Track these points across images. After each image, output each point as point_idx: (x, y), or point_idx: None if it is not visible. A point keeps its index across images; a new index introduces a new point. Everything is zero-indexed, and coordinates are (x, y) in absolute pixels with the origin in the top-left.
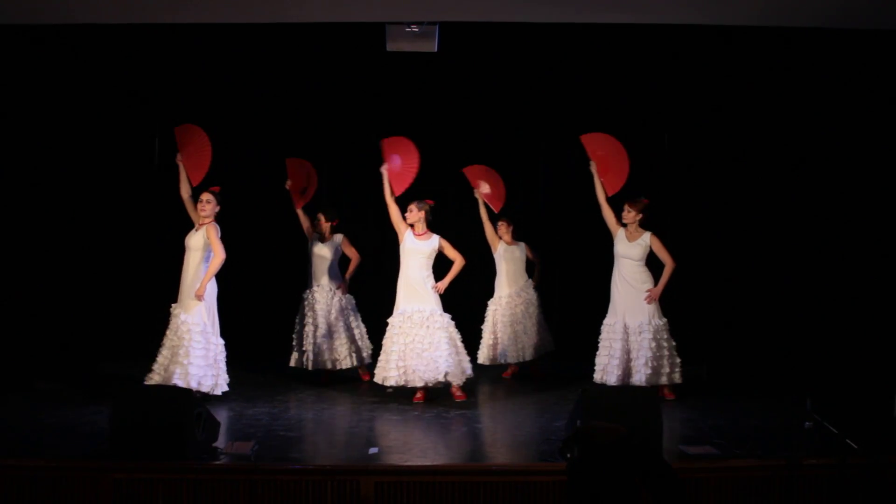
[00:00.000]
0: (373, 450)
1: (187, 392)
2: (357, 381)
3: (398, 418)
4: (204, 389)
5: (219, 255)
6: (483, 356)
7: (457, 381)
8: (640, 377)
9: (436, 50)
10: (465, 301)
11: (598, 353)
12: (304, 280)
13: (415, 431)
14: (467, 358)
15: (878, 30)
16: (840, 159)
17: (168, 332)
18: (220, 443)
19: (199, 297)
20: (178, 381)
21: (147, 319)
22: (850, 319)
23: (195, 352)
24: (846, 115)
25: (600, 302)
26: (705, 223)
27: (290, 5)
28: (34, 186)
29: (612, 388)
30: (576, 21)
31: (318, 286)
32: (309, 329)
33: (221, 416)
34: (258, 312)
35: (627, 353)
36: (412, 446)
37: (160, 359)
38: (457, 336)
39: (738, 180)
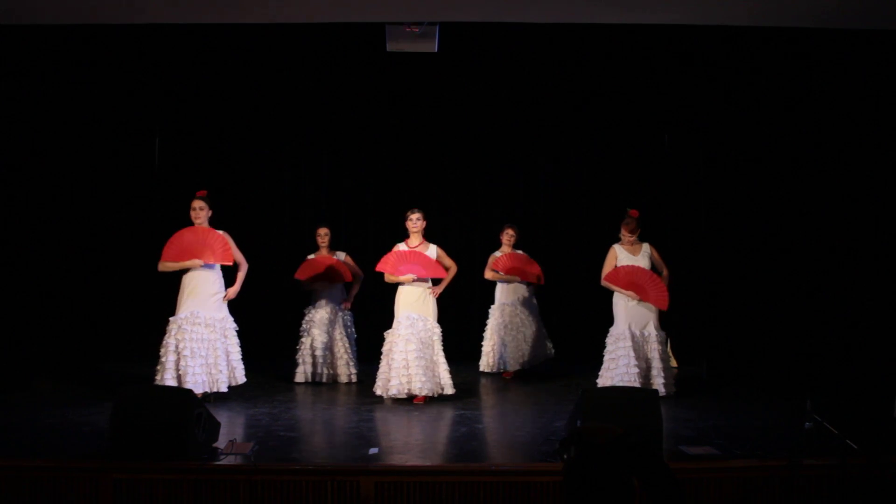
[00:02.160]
0: (373, 450)
1: (187, 392)
2: (357, 382)
3: (398, 418)
4: (239, 382)
5: (244, 263)
6: (484, 363)
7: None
8: (660, 387)
9: (436, 50)
10: (465, 308)
11: (608, 364)
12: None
13: (415, 431)
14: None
15: (877, 30)
16: (841, 158)
17: (184, 335)
18: (220, 443)
19: (230, 297)
20: (205, 378)
21: (147, 320)
22: (851, 319)
23: (236, 349)
24: (846, 116)
25: (599, 303)
26: (705, 223)
27: (291, 5)
28: (35, 187)
29: (612, 388)
30: (576, 21)
31: (320, 302)
32: (306, 343)
33: (221, 416)
34: (258, 313)
35: (646, 361)
36: (412, 446)
37: (170, 360)
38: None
39: (739, 180)
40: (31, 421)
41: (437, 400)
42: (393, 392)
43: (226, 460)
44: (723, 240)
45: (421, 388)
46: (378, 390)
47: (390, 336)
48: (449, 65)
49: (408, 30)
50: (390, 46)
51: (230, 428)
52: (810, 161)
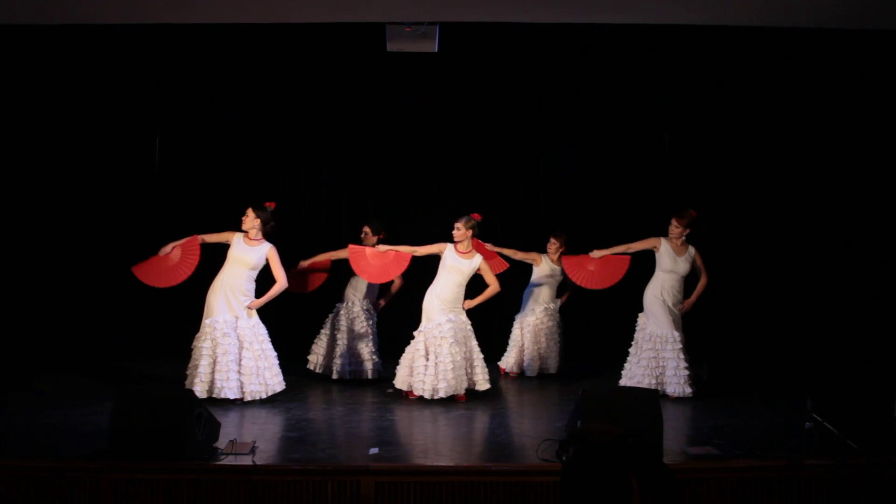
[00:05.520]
0: (373, 450)
1: (187, 392)
2: (357, 382)
3: (398, 418)
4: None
5: (282, 281)
6: (508, 364)
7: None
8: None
9: (436, 50)
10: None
11: (646, 364)
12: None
13: (415, 431)
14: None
15: (877, 30)
16: (841, 159)
17: (215, 339)
18: (221, 443)
19: (253, 308)
20: (260, 384)
21: (148, 319)
22: (851, 320)
23: (272, 354)
24: (846, 116)
25: (598, 303)
26: (705, 223)
27: (291, 5)
28: (36, 186)
29: (612, 388)
30: (576, 21)
31: (354, 299)
32: (340, 338)
33: (222, 416)
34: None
35: (684, 362)
36: (412, 446)
37: (204, 365)
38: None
39: (739, 180)
40: (31, 421)
41: (436, 400)
42: (441, 394)
43: (226, 460)
44: (723, 240)
45: (463, 386)
46: (424, 393)
47: (432, 338)
48: (449, 65)
49: (408, 30)
50: (390, 46)
51: (230, 428)
52: (810, 161)
